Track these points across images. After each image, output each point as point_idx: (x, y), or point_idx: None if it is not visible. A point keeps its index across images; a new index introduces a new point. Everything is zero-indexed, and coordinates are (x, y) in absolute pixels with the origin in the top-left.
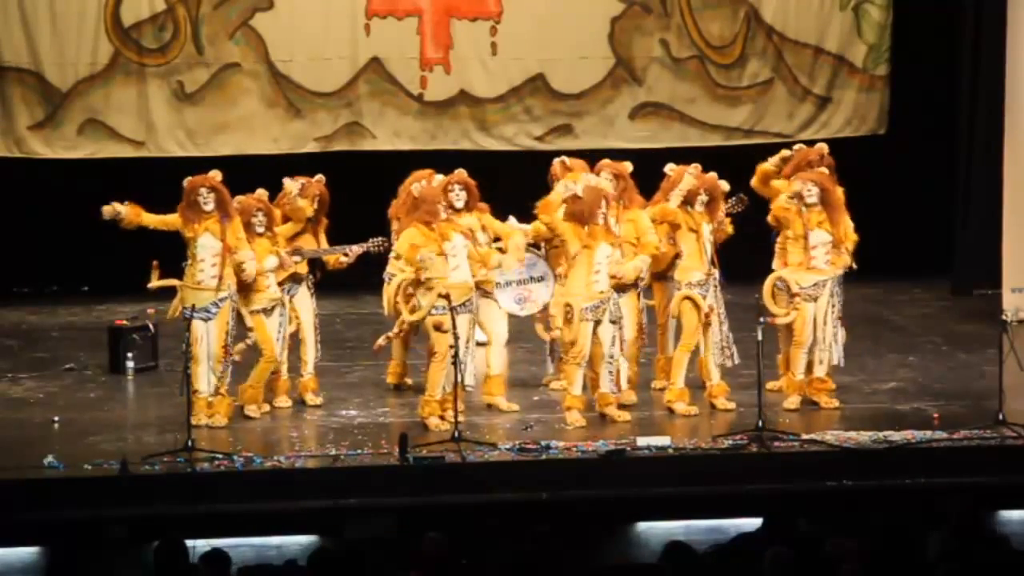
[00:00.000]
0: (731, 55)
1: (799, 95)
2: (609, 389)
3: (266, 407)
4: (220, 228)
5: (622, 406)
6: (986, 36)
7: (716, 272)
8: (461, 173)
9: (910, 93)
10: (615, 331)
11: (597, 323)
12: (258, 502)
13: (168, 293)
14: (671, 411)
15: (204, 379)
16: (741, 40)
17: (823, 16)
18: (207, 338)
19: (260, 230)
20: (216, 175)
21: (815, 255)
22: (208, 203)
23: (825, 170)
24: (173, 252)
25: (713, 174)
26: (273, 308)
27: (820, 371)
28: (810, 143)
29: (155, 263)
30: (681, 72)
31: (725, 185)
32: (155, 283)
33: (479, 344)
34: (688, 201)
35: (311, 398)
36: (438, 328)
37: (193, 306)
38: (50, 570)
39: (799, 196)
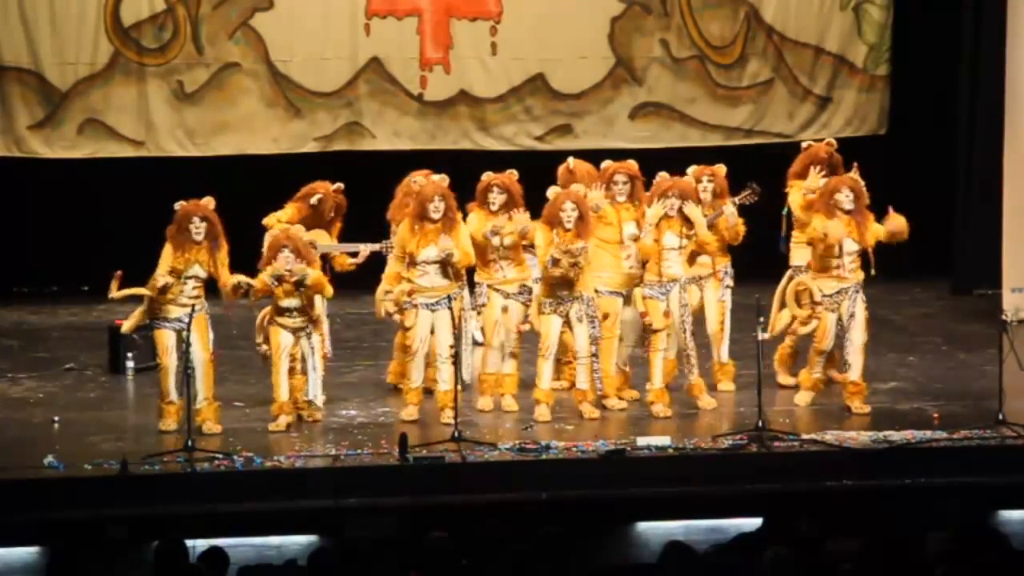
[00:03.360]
0: (731, 55)
1: (799, 95)
2: (586, 386)
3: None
4: (209, 259)
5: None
6: (986, 36)
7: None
8: (507, 176)
9: (910, 93)
10: (588, 330)
11: (566, 320)
12: (258, 502)
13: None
14: (649, 413)
15: (174, 387)
16: (741, 40)
17: (823, 16)
18: (174, 348)
19: (288, 266)
20: (209, 202)
21: (844, 262)
22: (199, 233)
23: (857, 176)
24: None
25: (689, 179)
26: (297, 331)
27: (854, 375)
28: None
29: (119, 273)
30: (681, 72)
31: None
32: (119, 293)
33: (475, 344)
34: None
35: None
36: (402, 323)
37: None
38: (50, 570)
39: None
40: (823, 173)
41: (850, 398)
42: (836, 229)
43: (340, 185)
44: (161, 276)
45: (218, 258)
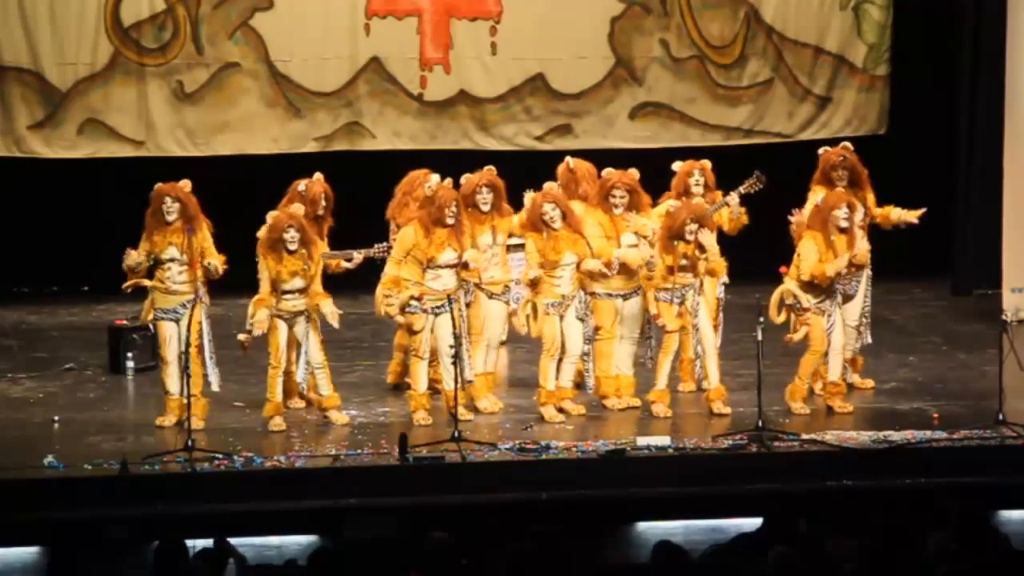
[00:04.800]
0: (731, 55)
1: (799, 95)
2: (568, 384)
3: (282, 425)
4: (183, 242)
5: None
6: (986, 36)
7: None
8: (489, 173)
9: (910, 93)
10: (582, 329)
11: (561, 317)
12: (258, 502)
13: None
14: (649, 411)
15: (175, 380)
16: (741, 40)
17: (823, 16)
18: (176, 340)
19: (292, 247)
20: (185, 184)
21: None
22: (171, 213)
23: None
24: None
25: (699, 201)
26: (294, 317)
27: (834, 375)
28: (814, 143)
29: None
30: (681, 72)
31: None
32: (129, 283)
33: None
34: (678, 236)
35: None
36: (409, 327)
37: (160, 308)
38: (50, 570)
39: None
40: (843, 176)
41: (830, 398)
42: (835, 266)
43: (319, 175)
44: (131, 252)
45: (195, 242)
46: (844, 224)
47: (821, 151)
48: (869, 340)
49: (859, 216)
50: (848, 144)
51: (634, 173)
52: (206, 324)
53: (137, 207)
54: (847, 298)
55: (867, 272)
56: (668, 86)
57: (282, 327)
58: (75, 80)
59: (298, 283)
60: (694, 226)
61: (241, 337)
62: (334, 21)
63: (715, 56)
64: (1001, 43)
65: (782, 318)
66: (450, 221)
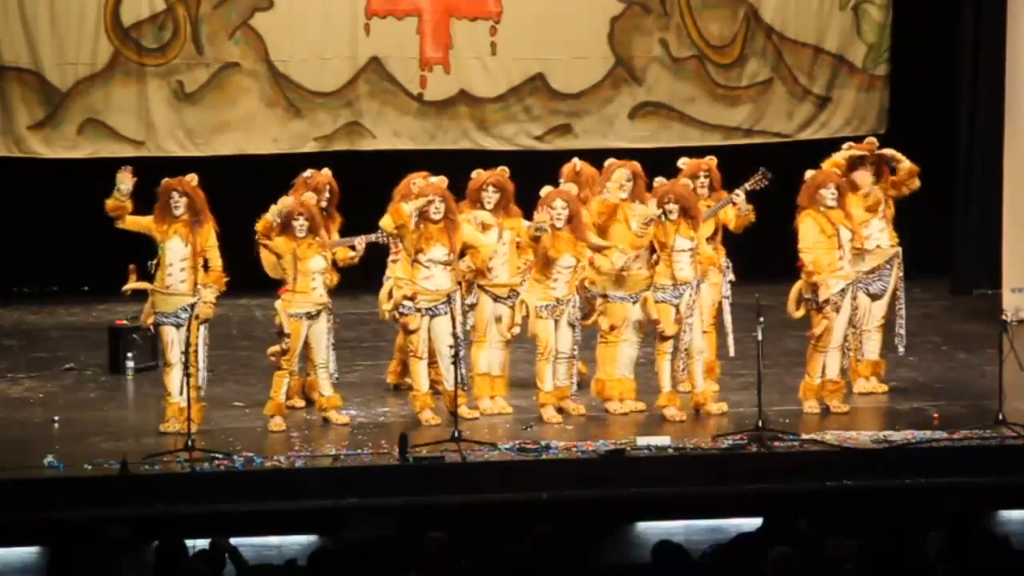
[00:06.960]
0: (731, 55)
1: (799, 95)
2: (566, 382)
3: (281, 425)
4: (188, 233)
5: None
6: (986, 36)
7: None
8: (500, 173)
9: (910, 93)
10: (572, 333)
11: (556, 321)
12: (258, 502)
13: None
14: (662, 416)
15: (177, 383)
16: (741, 40)
17: (823, 16)
18: (179, 344)
19: (301, 234)
20: (192, 179)
21: (844, 253)
22: (179, 207)
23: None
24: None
25: (686, 183)
26: (319, 313)
27: (832, 373)
28: (813, 143)
29: (132, 267)
30: (681, 72)
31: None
32: (129, 286)
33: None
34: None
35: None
36: (405, 327)
37: (161, 311)
38: (50, 570)
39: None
40: (871, 171)
41: (828, 396)
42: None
43: (327, 169)
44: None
45: (200, 234)
46: (832, 203)
47: (847, 146)
48: (902, 351)
49: (881, 210)
50: (874, 139)
51: (635, 164)
52: (204, 328)
53: (137, 207)
54: (874, 297)
55: (896, 272)
56: (668, 86)
57: (302, 330)
58: (75, 80)
59: (320, 263)
60: (674, 207)
61: (272, 350)
62: (334, 21)
63: (715, 56)
64: (1001, 43)
65: (800, 313)
66: (435, 216)
